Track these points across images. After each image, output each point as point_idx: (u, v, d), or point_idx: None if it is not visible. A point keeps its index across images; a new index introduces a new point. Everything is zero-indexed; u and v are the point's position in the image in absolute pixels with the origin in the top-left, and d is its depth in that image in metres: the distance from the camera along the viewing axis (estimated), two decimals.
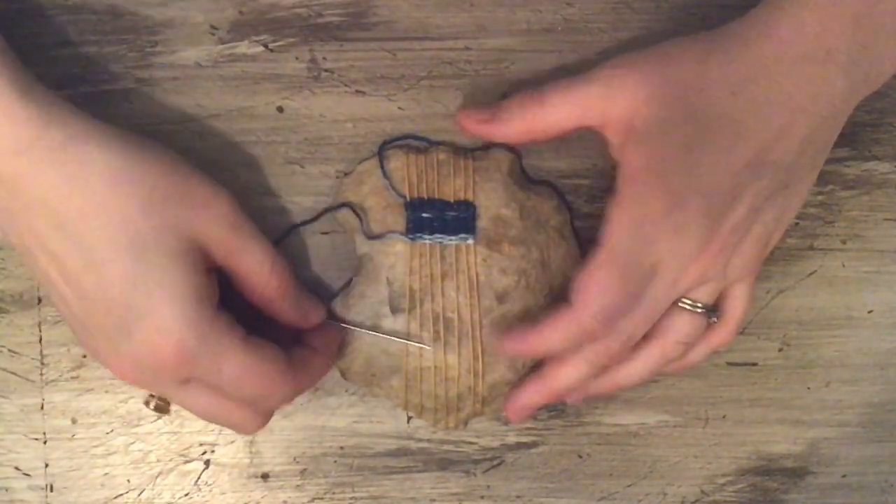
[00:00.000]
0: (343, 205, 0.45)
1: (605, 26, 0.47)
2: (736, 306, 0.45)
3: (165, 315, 0.38)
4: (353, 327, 0.45)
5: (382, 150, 0.46)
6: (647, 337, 0.43)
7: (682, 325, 0.43)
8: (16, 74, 0.38)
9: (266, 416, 0.43)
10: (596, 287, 0.41)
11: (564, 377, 0.44)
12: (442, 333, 0.44)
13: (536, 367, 0.45)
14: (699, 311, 0.43)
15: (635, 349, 0.44)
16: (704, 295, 0.43)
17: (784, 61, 0.40)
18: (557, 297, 0.46)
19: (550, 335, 0.42)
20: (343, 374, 0.46)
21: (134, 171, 0.38)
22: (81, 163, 0.37)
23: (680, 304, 0.43)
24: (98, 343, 0.40)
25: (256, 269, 0.41)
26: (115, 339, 0.39)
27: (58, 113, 0.38)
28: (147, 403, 0.45)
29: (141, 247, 0.38)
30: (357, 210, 0.45)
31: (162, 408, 0.45)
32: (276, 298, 0.42)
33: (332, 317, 0.45)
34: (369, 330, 0.45)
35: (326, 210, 0.46)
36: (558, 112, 0.42)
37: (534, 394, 0.45)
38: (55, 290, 0.40)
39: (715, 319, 0.44)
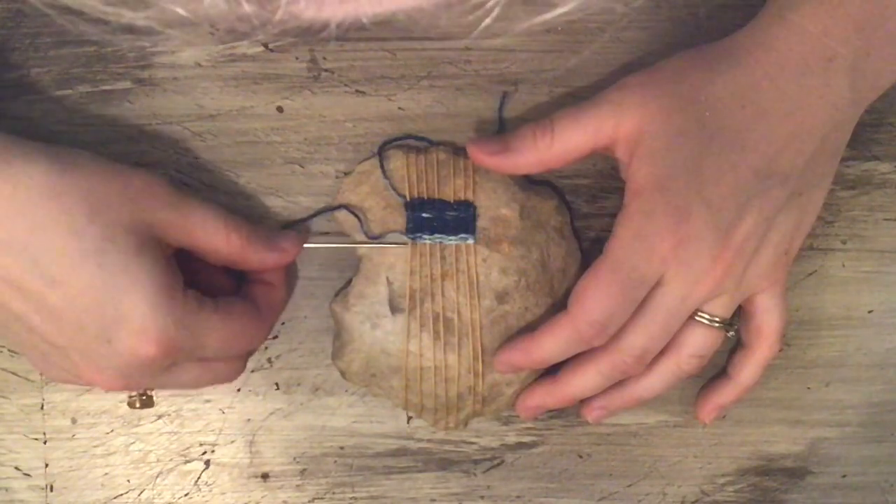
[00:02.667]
0: (340, 206, 0.45)
1: (606, 26, 0.47)
2: (768, 317, 0.45)
3: (140, 316, 0.38)
4: (323, 245, 0.46)
5: (382, 151, 0.46)
6: (663, 351, 0.44)
7: (696, 339, 0.43)
8: None
9: (245, 362, 0.45)
10: (593, 294, 0.41)
11: (577, 385, 0.45)
12: (442, 333, 0.44)
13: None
14: (715, 324, 0.43)
15: (652, 363, 0.44)
16: (720, 308, 0.43)
17: (787, 70, 0.40)
18: (557, 296, 0.46)
19: (548, 343, 0.43)
20: (343, 374, 0.46)
21: (68, 180, 0.38)
22: (14, 183, 0.37)
23: (696, 318, 0.43)
24: (74, 362, 0.40)
25: (213, 234, 0.41)
26: (94, 352, 0.39)
27: None
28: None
29: (97, 254, 0.37)
30: (355, 211, 0.45)
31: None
32: (245, 252, 0.42)
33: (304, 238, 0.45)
34: (351, 243, 0.45)
35: (322, 210, 0.46)
36: (570, 139, 0.42)
37: (546, 396, 0.46)
38: (18, 322, 0.39)
39: (732, 333, 0.44)
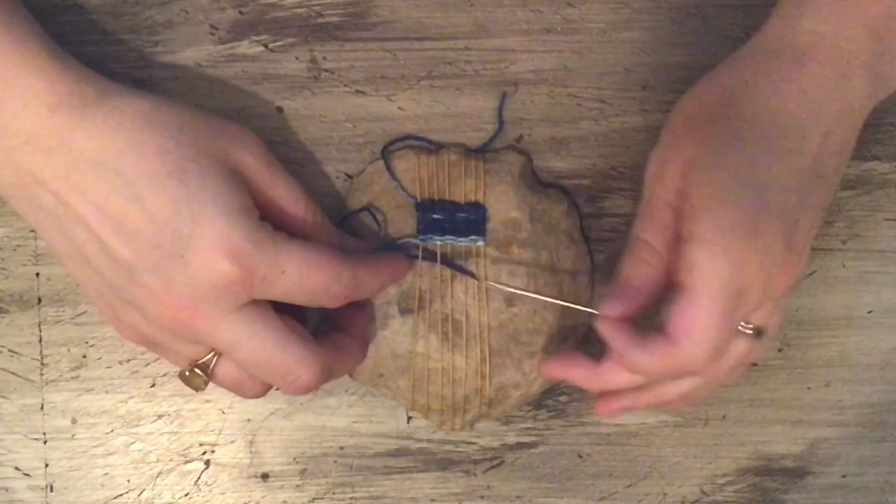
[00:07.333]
0: (363, 208, 0.45)
1: (605, 26, 0.47)
2: (774, 320, 0.43)
3: (217, 230, 0.38)
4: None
5: (385, 153, 0.46)
6: None
7: (735, 349, 0.42)
8: (46, 40, 0.39)
9: (324, 372, 0.41)
10: (705, 330, 0.39)
11: (669, 391, 0.44)
12: (450, 335, 0.44)
13: (540, 369, 0.46)
14: (749, 332, 0.42)
15: None
16: (760, 316, 0.42)
17: (809, 73, 0.40)
18: (565, 299, 0.45)
19: (649, 365, 0.40)
20: (350, 374, 0.46)
21: (163, 110, 0.40)
22: (114, 111, 0.39)
23: (739, 328, 0.41)
24: (144, 283, 0.39)
25: (292, 201, 0.42)
26: (168, 271, 0.38)
27: (87, 72, 0.40)
28: (184, 376, 0.42)
29: (180, 172, 0.38)
30: (375, 213, 0.45)
31: (196, 379, 0.42)
32: (314, 232, 0.43)
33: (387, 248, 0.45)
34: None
35: (350, 214, 0.46)
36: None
37: (635, 401, 0.44)
38: (93, 248, 0.39)
39: (760, 340, 0.43)
